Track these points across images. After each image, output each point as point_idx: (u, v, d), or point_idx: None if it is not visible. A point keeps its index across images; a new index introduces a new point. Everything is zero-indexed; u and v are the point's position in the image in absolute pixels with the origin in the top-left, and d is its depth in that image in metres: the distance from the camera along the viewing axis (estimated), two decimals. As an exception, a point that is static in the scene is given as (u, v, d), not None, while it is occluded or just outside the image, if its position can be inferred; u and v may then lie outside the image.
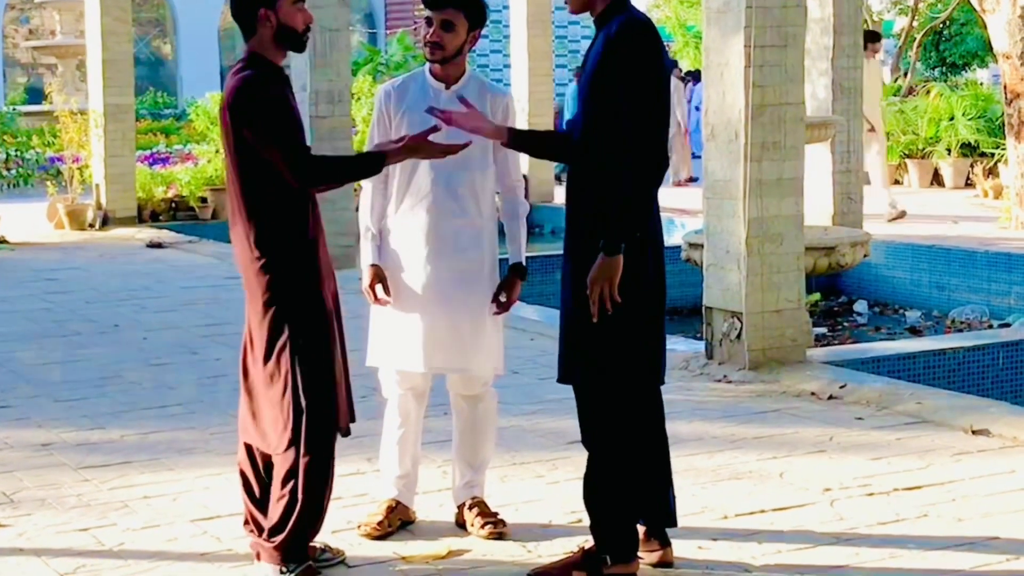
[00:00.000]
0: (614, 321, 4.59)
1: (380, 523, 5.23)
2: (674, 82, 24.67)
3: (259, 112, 4.59)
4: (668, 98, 4.63)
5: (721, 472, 6.03)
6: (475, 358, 5.21)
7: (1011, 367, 8.63)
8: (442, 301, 5.13)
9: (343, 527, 5.21)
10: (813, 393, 7.43)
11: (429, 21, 5.08)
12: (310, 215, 4.74)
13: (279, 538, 4.70)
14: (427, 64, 5.22)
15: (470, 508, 5.29)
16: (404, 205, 5.18)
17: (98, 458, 6.44)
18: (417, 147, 4.78)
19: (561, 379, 4.80)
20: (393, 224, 5.20)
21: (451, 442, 5.45)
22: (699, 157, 27.12)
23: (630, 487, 4.72)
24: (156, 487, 5.96)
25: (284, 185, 4.64)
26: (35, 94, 30.37)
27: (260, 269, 4.66)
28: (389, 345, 5.22)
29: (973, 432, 6.55)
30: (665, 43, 33.85)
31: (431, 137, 4.78)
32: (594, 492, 4.75)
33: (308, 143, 4.79)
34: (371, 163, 4.82)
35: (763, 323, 7.91)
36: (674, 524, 4.92)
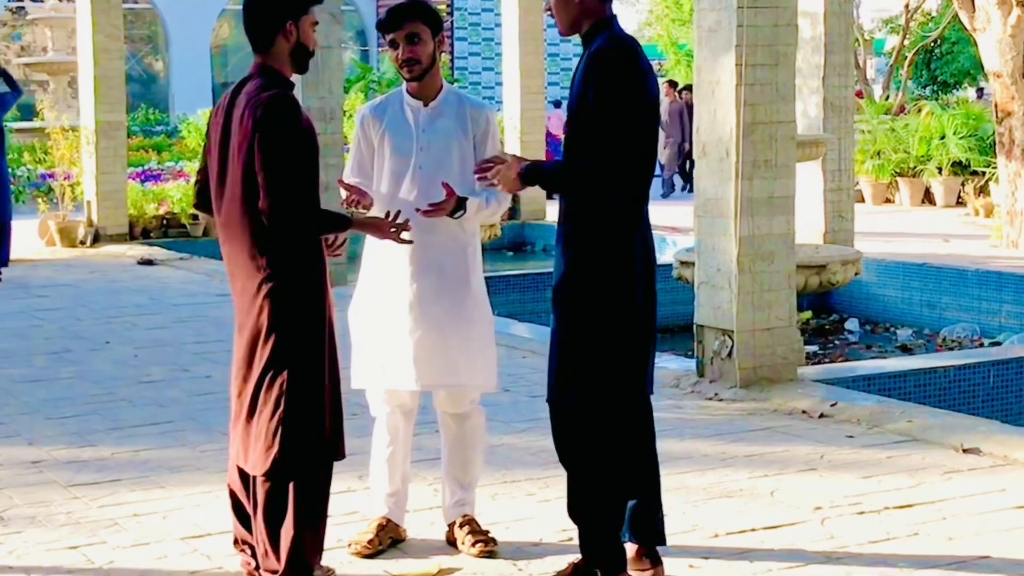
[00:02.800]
0: (605, 341, 4.62)
1: (370, 541, 5.22)
2: None
3: (290, 138, 4.52)
4: (649, 116, 4.65)
5: (712, 490, 6.03)
6: (465, 373, 5.19)
7: (1002, 385, 8.64)
8: (428, 318, 5.11)
9: (334, 545, 5.19)
10: (804, 411, 7.43)
11: (394, 43, 5.09)
12: (321, 239, 4.73)
13: (279, 571, 4.68)
14: (403, 84, 5.22)
15: (460, 526, 5.28)
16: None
17: (88, 476, 6.42)
18: (378, 228, 4.87)
19: (550, 398, 4.81)
20: (375, 242, 5.14)
21: (440, 460, 5.44)
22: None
23: (616, 502, 4.73)
24: (146, 505, 5.94)
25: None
26: (27, 111, 30.32)
27: (269, 293, 4.59)
28: (376, 365, 5.20)
29: (964, 451, 6.55)
30: (652, 61, 34.24)
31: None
32: (580, 509, 4.77)
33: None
34: (341, 224, 4.75)
35: (754, 341, 7.91)
36: (663, 543, 4.92)
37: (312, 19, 4.72)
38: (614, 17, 4.76)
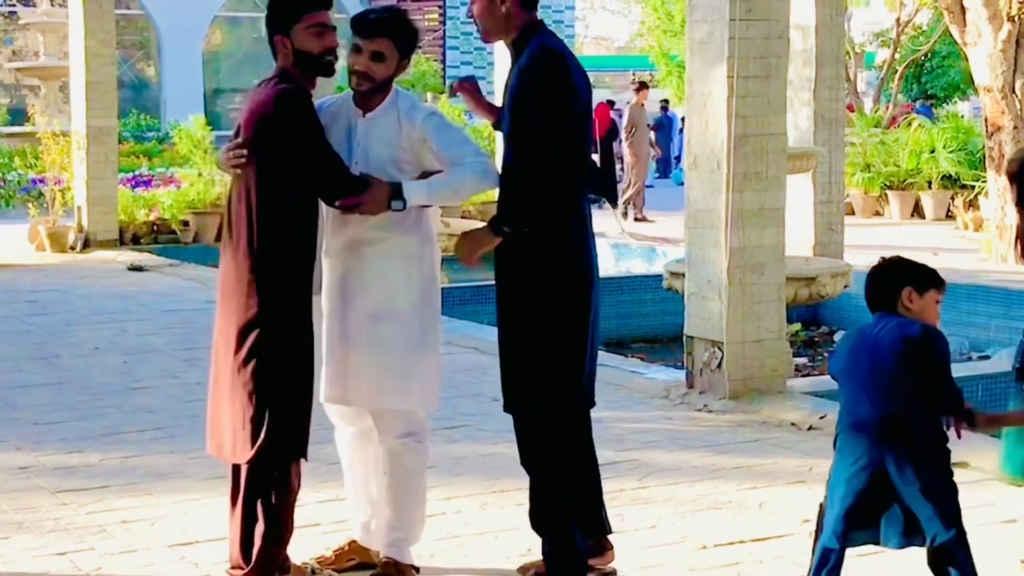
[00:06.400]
0: (543, 351, 4.71)
1: (321, 558, 5.11)
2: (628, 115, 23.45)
3: (302, 124, 4.61)
4: (580, 127, 4.70)
5: (700, 502, 6.03)
6: (365, 394, 4.87)
7: (990, 399, 8.64)
8: (338, 331, 4.85)
9: (321, 553, 5.18)
10: (793, 423, 7.43)
11: (357, 48, 4.80)
12: (316, 236, 4.76)
13: (252, 564, 4.70)
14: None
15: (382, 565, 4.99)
16: (330, 227, 4.90)
17: (76, 482, 6.41)
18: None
19: (505, 408, 4.89)
20: (324, 247, 4.93)
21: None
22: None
23: (571, 508, 4.82)
24: (134, 511, 5.93)
25: (302, 203, 4.66)
26: (18, 115, 30.28)
27: (256, 284, 4.63)
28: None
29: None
30: (643, 72, 31.89)
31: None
32: (539, 516, 4.87)
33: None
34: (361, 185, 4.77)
35: (744, 353, 7.92)
36: (610, 531, 5.05)
37: (306, 25, 4.70)
38: (541, 22, 4.79)
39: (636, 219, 21.39)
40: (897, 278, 4.26)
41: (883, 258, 4.39)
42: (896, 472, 4.09)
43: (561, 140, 4.61)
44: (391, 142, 4.82)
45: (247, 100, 4.79)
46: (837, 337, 12.49)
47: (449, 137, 4.83)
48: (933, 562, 4.20)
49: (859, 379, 4.21)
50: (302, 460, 4.77)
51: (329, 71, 4.76)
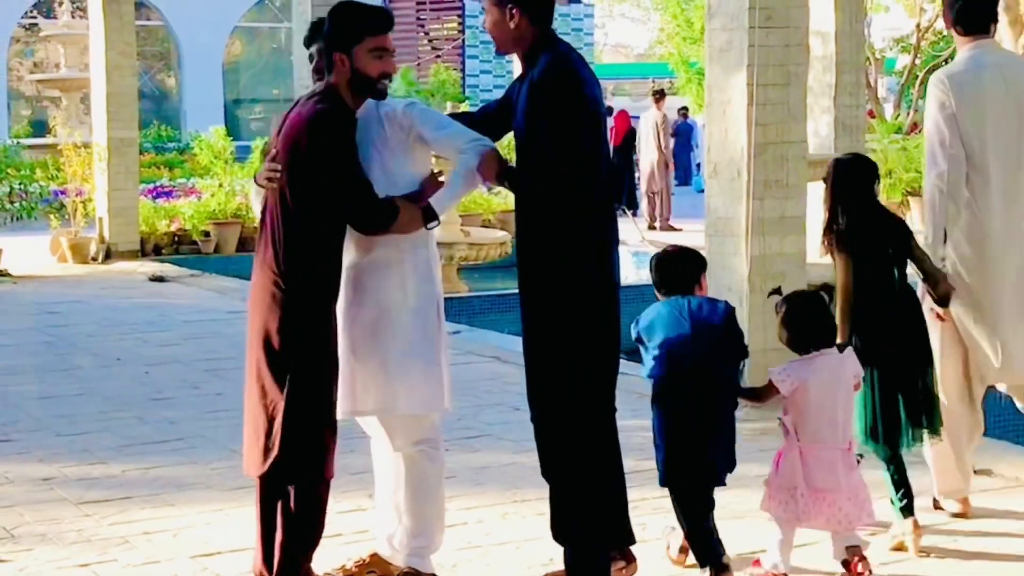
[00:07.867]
0: (570, 362, 4.72)
1: (342, 566, 5.11)
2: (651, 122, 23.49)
3: (335, 148, 4.60)
4: (595, 135, 4.71)
5: (722, 511, 5.97)
6: (374, 399, 4.88)
7: (1014, 406, 8.59)
8: (347, 340, 4.87)
9: (343, 563, 5.18)
10: (815, 431, 7.39)
11: (383, 50, 4.79)
12: (341, 255, 4.76)
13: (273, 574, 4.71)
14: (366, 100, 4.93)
15: None
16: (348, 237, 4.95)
17: (99, 493, 6.43)
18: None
19: (533, 418, 4.89)
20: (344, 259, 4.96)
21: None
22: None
23: (593, 516, 4.82)
24: (157, 523, 5.94)
25: (330, 222, 4.66)
26: (39, 127, 30.42)
27: (278, 299, 4.65)
28: None
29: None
30: (663, 80, 31.48)
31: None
32: (562, 525, 4.87)
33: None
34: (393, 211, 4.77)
35: (765, 361, 7.86)
36: (634, 541, 5.05)
37: (368, 47, 4.68)
38: (554, 35, 4.81)
39: (650, 225, 21.60)
40: (695, 267, 5.13)
41: (668, 249, 5.25)
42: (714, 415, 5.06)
43: (573, 153, 4.63)
44: (374, 137, 4.82)
45: (290, 111, 4.78)
46: (859, 344, 12.42)
47: (437, 120, 4.89)
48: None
49: (692, 345, 4.92)
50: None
51: (382, 94, 4.77)
